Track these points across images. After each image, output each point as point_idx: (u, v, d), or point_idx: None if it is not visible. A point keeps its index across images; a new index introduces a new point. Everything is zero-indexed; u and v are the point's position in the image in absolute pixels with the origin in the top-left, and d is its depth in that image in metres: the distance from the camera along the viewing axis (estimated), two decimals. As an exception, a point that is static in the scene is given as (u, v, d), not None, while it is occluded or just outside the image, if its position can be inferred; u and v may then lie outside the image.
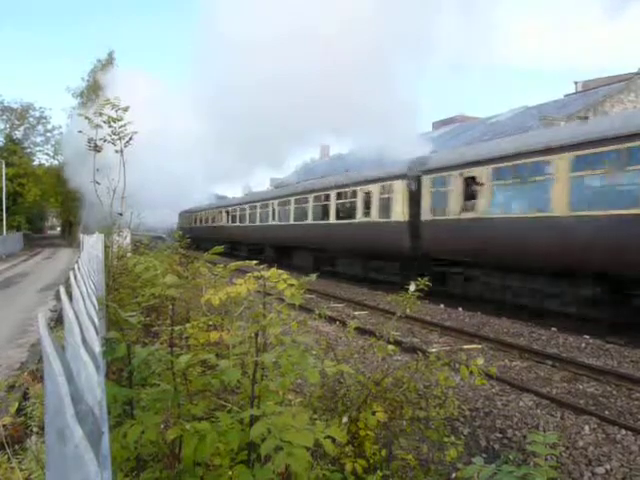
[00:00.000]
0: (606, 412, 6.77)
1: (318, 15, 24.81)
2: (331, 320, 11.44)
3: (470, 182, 14.33)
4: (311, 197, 23.74)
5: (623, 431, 6.14)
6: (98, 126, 6.45)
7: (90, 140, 6.49)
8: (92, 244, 7.54)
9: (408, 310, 4.46)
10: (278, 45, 24.51)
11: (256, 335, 2.76)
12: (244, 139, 28.69)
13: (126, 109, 6.41)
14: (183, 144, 36.80)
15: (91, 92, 43.11)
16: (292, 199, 25.80)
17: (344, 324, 9.20)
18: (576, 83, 32.43)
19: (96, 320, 1.68)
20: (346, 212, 20.69)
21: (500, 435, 6.21)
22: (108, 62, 46.52)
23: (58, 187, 49.78)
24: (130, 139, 6.63)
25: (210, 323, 3.87)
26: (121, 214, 7.54)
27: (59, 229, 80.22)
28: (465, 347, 10.06)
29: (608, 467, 5.36)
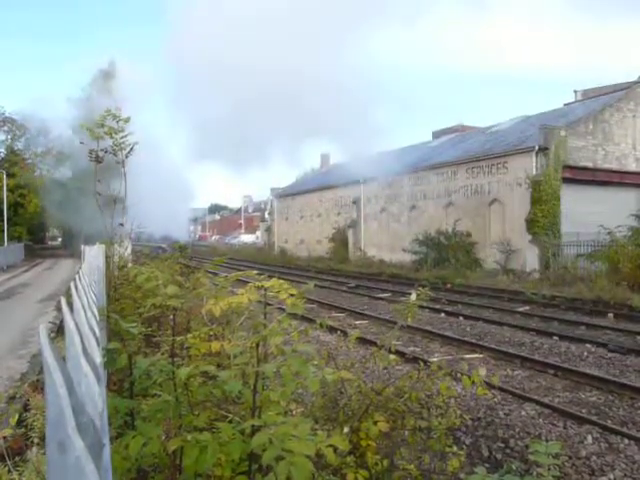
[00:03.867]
0: (609, 421, 6.73)
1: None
2: (332, 330, 11.42)
3: None
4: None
5: (626, 440, 6.11)
6: (99, 137, 6.47)
7: (92, 151, 6.50)
8: (94, 255, 7.53)
9: (409, 320, 4.45)
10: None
11: (257, 345, 2.75)
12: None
13: (127, 120, 6.43)
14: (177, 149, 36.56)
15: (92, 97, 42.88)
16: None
17: (345, 334, 9.19)
18: (576, 92, 32.58)
19: (97, 331, 1.68)
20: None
21: (502, 445, 6.18)
22: (109, 74, 46.56)
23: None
24: (131, 149, 6.64)
25: (211, 333, 3.86)
26: (122, 224, 7.55)
27: (60, 240, 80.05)
28: (466, 356, 10.03)
29: (611, 477, 5.33)
